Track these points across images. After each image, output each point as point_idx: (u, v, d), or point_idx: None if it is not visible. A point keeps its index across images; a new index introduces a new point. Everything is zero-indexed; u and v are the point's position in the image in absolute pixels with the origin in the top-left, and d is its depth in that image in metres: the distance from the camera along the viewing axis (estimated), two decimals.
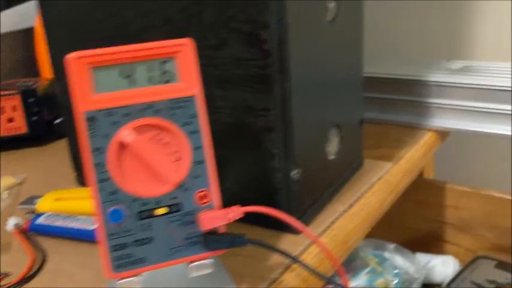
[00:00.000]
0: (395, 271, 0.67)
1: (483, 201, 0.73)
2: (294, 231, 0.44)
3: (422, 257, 0.76)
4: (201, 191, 0.34)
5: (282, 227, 0.45)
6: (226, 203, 0.47)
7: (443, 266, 0.74)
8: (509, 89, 0.63)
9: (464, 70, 0.69)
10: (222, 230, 0.34)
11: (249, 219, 0.43)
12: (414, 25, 0.90)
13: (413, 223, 0.80)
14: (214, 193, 0.34)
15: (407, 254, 0.71)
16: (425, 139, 0.67)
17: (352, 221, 0.48)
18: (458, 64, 0.72)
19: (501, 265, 0.70)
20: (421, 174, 0.78)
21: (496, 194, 0.72)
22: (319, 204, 0.48)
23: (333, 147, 0.50)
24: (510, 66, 0.69)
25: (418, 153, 0.64)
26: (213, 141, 0.45)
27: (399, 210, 0.79)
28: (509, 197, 0.71)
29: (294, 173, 0.42)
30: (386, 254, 0.69)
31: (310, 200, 0.47)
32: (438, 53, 0.89)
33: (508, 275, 0.68)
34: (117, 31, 0.47)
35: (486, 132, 0.66)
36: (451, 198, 0.76)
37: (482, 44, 0.85)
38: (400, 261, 0.69)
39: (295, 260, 0.36)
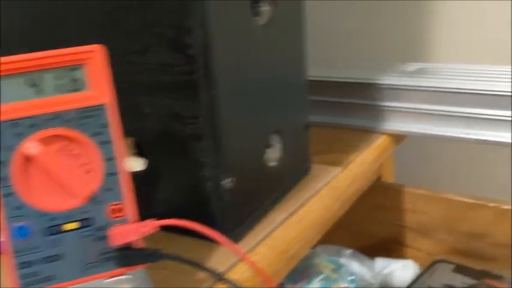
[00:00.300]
0: (351, 277, 0.66)
1: (441, 205, 0.72)
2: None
3: (382, 262, 0.75)
4: (114, 205, 0.32)
5: None
6: (162, 213, 0.45)
7: (403, 271, 0.73)
8: (463, 91, 0.62)
9: (418, 72, 0.69)
10: (139, 244, 0.33)
11: (185, 229, 0.42)
12: (368, 27, 0.89)
13: (373, 228, 0.79)
14: (128, 206, 0.33)
15: (364, 260, 0.70)
16: (379, 143, 0.66)
17: (293, 229, 0.47)
18: (412, 66, 0.71)
19: (459, 269, 0.69)
20: (379, 178, 0.77)
21: (454, 197, 0.71)
22: (259, 212, 0.47)
23: (274, 154, 0.49)
24: (464, 68, 0.68)
25: (370, 158, 0.63)
26: (144, 150, 0.44)
27: (358, 215, 0.78)
28: (468, 200, 0.70)
29: (226, 182, 0.41)
30: (343, 260, 0.68)
31: (249, 209, 0.45)
32: (395, 55, 0.89)
33: (465, 279, 0.67)
34: (42, 37, 0.45)
35: (441, 135, 0.65)
36: (409, 202, 0.75)
37: (437, 45, 0.85)
38: (357, 267, 0.68)
39: (219, 277, 0.35)
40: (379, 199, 0.76)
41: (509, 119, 0.59)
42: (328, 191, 0.54)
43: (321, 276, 0.63)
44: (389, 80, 0.67)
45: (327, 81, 0.71)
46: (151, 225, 0.32)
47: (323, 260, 0.67)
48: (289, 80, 0.50)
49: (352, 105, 0.70)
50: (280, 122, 0.49)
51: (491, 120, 0.61)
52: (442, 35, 0.84)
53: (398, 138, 0.70)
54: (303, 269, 0.65)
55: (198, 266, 0.33)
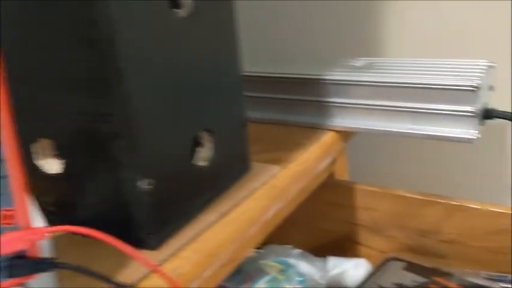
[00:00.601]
0: (299, 279, 0.64)
1: (392, 202, 0.71)
2: (151, 246, 0.41)
3: (334, 261, 0.74)
4: (5, 211, 0.30)
5: (138, 243, 0.41)
6: (87, 218, 0.43)
7: (355, 270, 0.72)
8: (408, 85, 0.61)
9: (365, 67, 0.67)
10: (34, 253, 0.30)
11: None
12: (324, 26, 0.88)
13: (327, 226, 0.78)
14: (20, 212, 0.30)
15: (313, 260, 0.68)
16: (325, 140, 0.64)
17: (223, 231, 0.45)
18: (360, 61, 0.70)
19: (409, 267, 0.68)
20: (331, 175, 0.75)
21: (405, 194, 0.70)
22: (186, 214, 0.45)
23: (204, 153, 0.47)
24: (411, 62, 0.67)
25: (314, 155, 0.61)
26: (64, 152, 0.42)
27: (312, 213, 0.77)
28: (418, 196, 0.69)
29: (144, 184, 0.39)
30: (292, 261, 0.66)
31: (174, 211, 0.43)
32: (346, 52, 0.87)
33: (416, 277, 0.66)
34: None
35: (387, 131, 0.64)
36: (361, 199, 0.73)
37: (390, 43, 0.84)
38: (306, 267, 0.66)
39: None
40: (332, 197, 0.75)
41: (456, 113, 0.58)
42: (265, 190, 0.52)
43: (267, 278, 0.62)
44: (335, 75, 0.65)
45: (274, 78, 0.69)
46: (41, 232, 0.29)
47: (271, 261, 0.65)
48: (220, 75, 0.48)
49: (300, 102, 0.68)
50: (211, 119, 0.47)
51: (436, 115, 0.59)
52: (394, 33, 0.82)
53: (346, 134, 0.69)
54: (248, 271, 0.63)
55: (97, 276, 0.31)
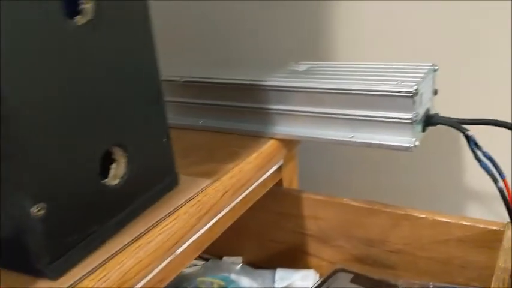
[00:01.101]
0: None
1: (338, 210, 0.68)
2: (49, 276, 0.38)
3: (283, 273, 0.71)
4: None
5: (36, 273, 0.38)
6: None
7: (303, 281, 0.69)
8: (346, 91, 0.58)
9: (307, 72, 0.64)
10: None
11: (6, 264, 0.37)
12: (267, 28, 0.85)
13: (277, 236, 0.75)
14: None
15: (254, 274, 0.65)
16: (264, 149, 0.61)
17: (136, 255, 0.42)
18: (303, 66, 0.67)
19: (356, 279, 0.65)
20: (279, 184, 0.73)
21: (351, 203, 0.67)
22: (95, 240, 0.41)
23: (117, 170, 0.43)
24: (355, 66, 0.64)
25: (251, 166, 0.58)
26: None
27: (262, 223, 0.74)
28: (364, 205, 0.66)
29: (34, 210, 0.35)
30: (233, 276, 0.63)
31: (78, 237, 0.40)
32: (293, 56, 0.84)
33: None
34: None
35: (327, 139, 0.61)
36: (309, 208, 0.70)
37: (343, 45, 0.81)
38: (248, 282, 0.63)
39: None
40: (280, 206, 0.72)
41: (394, 120, 0.55)
42: (190, 207, 0.48)
43: None
44: (276, 81, 0.62)
45: (212, 83, 0.66)
46: None
47: (211, 277, 0.62)
48: (133, 84, 0.44)
49: (239, 109, 0.65)
50: (124, 133, 0.44)
51: (375, 122, 0.57)
52: (341, 36, 0.80)
53: (290, 142, 0.66)
54: None
55: None
